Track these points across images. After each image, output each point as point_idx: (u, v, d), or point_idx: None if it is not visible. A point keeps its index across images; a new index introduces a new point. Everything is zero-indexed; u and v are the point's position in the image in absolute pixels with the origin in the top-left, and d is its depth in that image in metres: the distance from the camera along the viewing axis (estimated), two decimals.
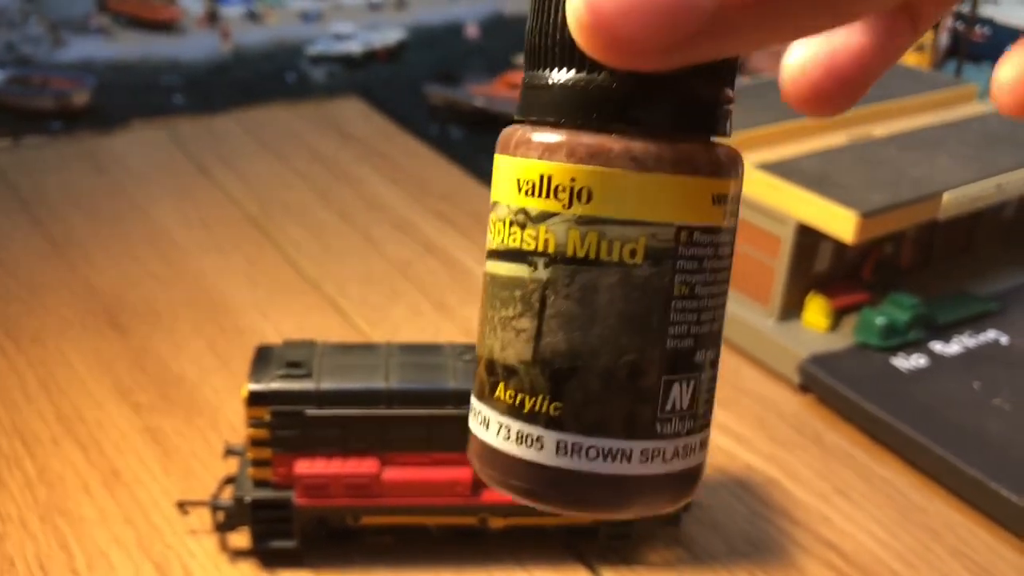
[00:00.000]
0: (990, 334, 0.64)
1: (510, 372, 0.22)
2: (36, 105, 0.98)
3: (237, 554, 0.48)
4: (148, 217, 0.80)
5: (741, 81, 0.90)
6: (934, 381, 0.60)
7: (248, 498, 0.47)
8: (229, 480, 0.49)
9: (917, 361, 0.61)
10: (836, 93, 0.23)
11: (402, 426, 0.46)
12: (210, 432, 0.56)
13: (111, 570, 0.47)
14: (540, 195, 0.22)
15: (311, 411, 0.45)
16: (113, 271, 0.72)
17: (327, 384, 0.46)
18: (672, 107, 0.22)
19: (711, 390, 0.23)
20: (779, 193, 0.61)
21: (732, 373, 0.63)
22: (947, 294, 0.67)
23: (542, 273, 0.22)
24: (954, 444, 0.54)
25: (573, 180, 0.21)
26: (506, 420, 0.23)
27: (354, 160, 0.91)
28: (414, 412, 0.46)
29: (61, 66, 1.10)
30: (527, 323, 0.22)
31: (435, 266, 0.74)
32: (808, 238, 0.63)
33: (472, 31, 1.29)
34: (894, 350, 0.62)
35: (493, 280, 0.22)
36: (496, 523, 0.48)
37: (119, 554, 0.48)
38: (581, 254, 0.21)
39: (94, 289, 0.70)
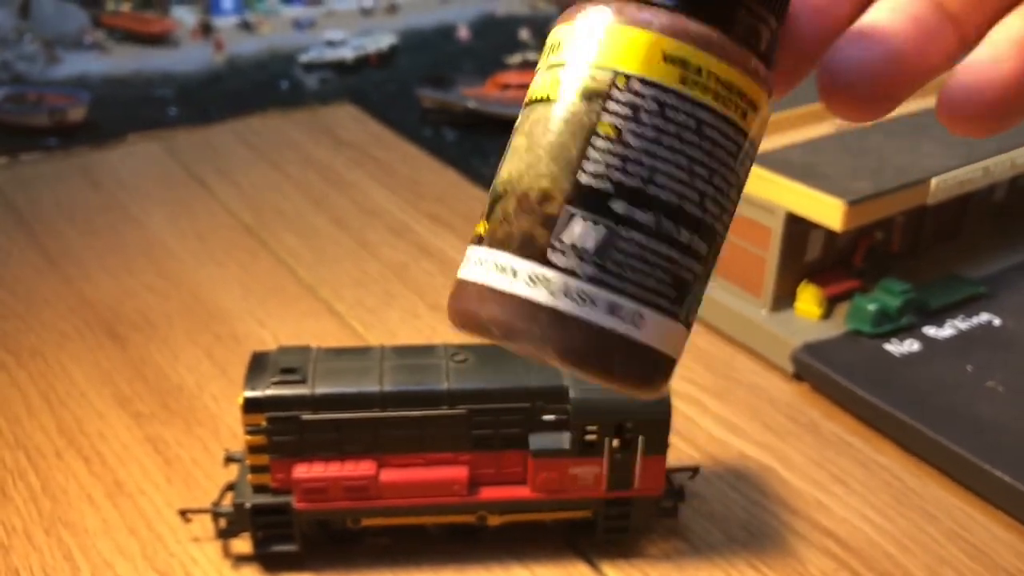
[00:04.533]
0: (982, 317, 0.64)
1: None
2: (32, 122, 0.99)
3: (240, 559, 0.49)
4: (144, 229, 0.80)
5: None
6: (927, 365, 0.60)
7: (248, 504, 0.47)
8: (230, 487, 0.49)
9: (910, 346, 0.62)
10: (870, 104, 0.24)
11: (397, 428, 0.47)
12: (210, 440, 0.57)
13: None
14: (543, 57, 0.25)
15: (307, 416, 0.46)
16: (110, 284, 0.73)
17: (322, 389, 0.46)
18: None
19: (648, 261, 0.23)
20: (767, 184, 0.62)
21: (725, 364, 0.64)
22: (938, 278, 0.68)
23: (519, 120, 0.25)
24: (948, 427, 0.55)
25: (553, 38, 0.24)
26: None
27: (348, 165, 0.92)
28: (408, 414, 0.46)
29: (56, 82, 1.11)
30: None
31: (430, 268, 0.75)
32: (798, 227, 0.63)
33: (463, 33, 1.29)
34: (886, 336, 0.62)
35: None
36: (494, 520, 0.49)
37: (123, 564, 0.49)
38: (536, 96, 0.24)
39: (91, 302, 0.70)
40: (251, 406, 0.46)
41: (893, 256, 0.70)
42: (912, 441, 0.56)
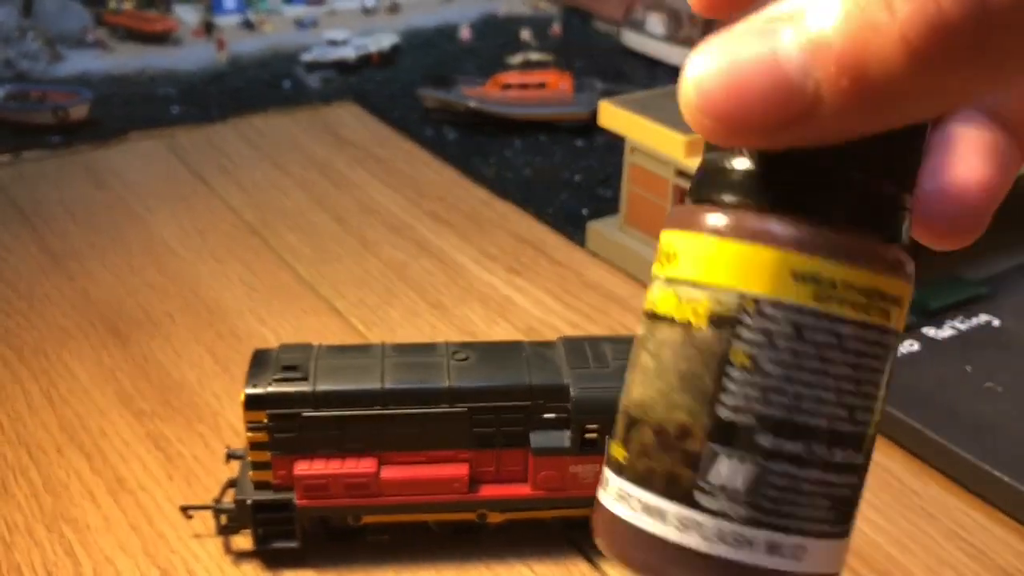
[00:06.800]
0: (982, 318, 0.65)
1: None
2: (35, 120, 0.99)
3: (241, 556, 0.49)
4: (146, 227, 0.81)
5: None
6: (927, 366, 0.60)
7: (249, 500, 0.47)
8: (231, 483, 0.49)
9: (909, 346, 0.62)
10: (969, 226, 0.23)
11: (398, 425, 0.47)
12: (212, 437, 0.57)
13: None
14: (658, 259, 0.23)
15: (308, 413, 0.46)
16: (112, 281, 0.73)
17: (323, 386, 0.46)
18: (752, 178, 0.22)
19: (803, 491, 0.21)
20: None
21: None
22: (938, 279, 0.68)
23: (643, 329, 0.23)
24: (947, 428, 0.55)
25: (667, 244, 0.23)
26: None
27: (350, 164, 0.92)
28: (409, 411, 0.47)
29: (59, 80, 1.11)
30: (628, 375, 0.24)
31: (431, 267, 0.75)
32: None
33: (465, 33, 1.29)
34: None
35: None
36: (494, 518, 0.49)
37: (125, 560, 0.49)
38: (663, 312, 0.22)
39: (94, 299, 0.70)
40: (252, 403, 0.46)
41: None
42: (911, 441, 0.56)
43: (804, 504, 0.22)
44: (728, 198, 0.22)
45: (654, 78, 1.14)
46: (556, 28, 1.32)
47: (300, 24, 1.32)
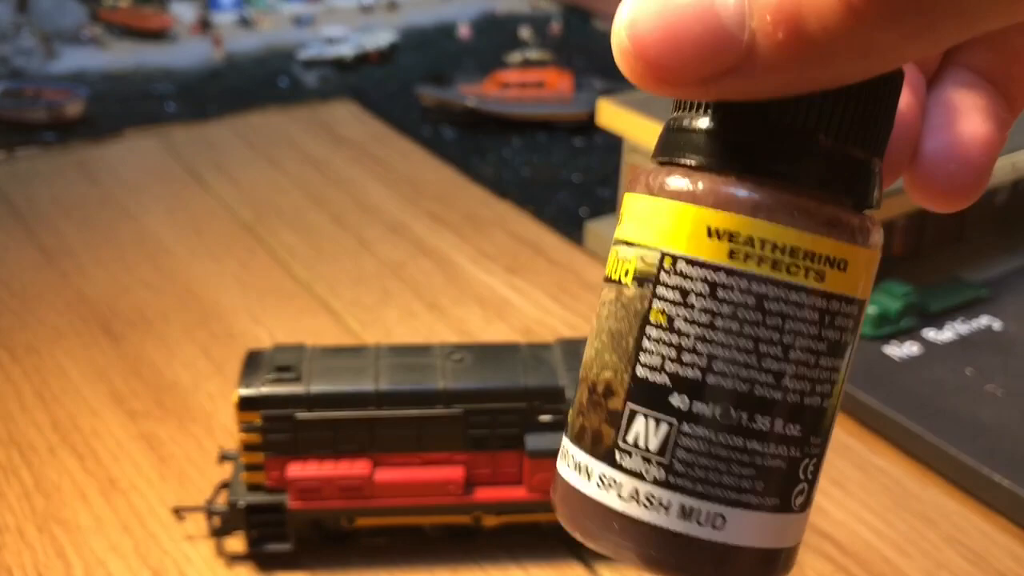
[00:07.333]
0: (983, 320, 0.64)
1: None
2: (29, 117, 0.99)
3: (233, 558, 0.48)
4: (141, 225, 0.80)
5: None
6: (927, 368, 0.60)
7: (242, 502, 0.47)
8: (224, 485, 0.49)
9: (910, 349, 0.61)
10: (972, 184, 0.23)
11: (392, 427, 0.46)
12: (205, 437, 0.56)
13: None
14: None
15: (301, 414, 0.46)
16: (106, 280, 0.72)
17: (317, 387, 0.46)
18: (674, 135, 0.22)
19: (720, 457, 0.21)
20: None
21: None
22: (939, 281, 0.67)
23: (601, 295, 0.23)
24: (948, 431, 0.55)
25: (622, 207, 0.23)
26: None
27: (347, 163, 0.91)
28: (404, 413, 0.46)
29: (54, 77, 1.10)
30: None
31: (428, 267, 0.75)
32: None
33: (464, 31, 1.29)
34: (886, 339, 0.62)
35: None
36: (490, 521, 0.48)
37: (117, 562, 0.48)
38: (607, 273, 0.23)
39: (87, 298, 0.70)
40: (246, 404, 0.45)
41: (894, 258, 0.69)
42: (911, 444, 0.56)
43: (722, 471, 0.21)
44: (661, 158, 0.22)
45: None
46: (555, 26, 1.31)
47: (297, 21, 1.31)
